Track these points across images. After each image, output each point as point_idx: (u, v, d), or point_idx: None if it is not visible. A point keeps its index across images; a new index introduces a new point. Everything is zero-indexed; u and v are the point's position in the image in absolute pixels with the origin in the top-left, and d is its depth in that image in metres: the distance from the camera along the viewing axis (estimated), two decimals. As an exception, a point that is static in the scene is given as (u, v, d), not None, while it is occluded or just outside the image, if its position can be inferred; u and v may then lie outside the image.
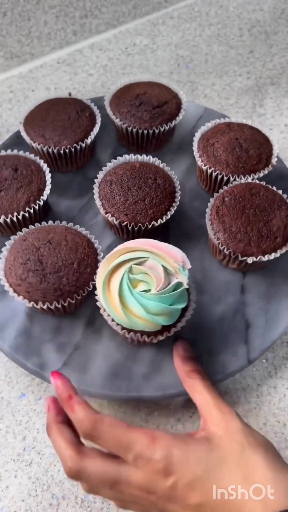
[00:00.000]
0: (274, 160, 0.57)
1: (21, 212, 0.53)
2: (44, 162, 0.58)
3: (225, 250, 0.50)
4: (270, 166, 0.57)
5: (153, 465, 0.32)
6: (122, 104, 0.62)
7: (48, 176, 0.56)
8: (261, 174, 0.56)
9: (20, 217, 0.53)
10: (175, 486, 0.32)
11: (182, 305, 0.43)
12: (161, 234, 0.57)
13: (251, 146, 0.57)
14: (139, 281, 0.42)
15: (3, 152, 0.59)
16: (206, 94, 0.79)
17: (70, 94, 0.65)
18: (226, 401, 0.37)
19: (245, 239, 0.50)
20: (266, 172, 0.57)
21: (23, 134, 0.60)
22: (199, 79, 0.82)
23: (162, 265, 0.42)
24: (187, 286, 0.42)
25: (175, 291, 0.42)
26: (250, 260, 0.49)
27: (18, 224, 0.55)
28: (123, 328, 0.44)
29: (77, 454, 0.34)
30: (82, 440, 0.36)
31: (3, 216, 0.53)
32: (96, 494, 0.36)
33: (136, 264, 0.42)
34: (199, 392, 0.39)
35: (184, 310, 0.45)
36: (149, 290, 0.42)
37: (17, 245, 0.49)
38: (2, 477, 0.46)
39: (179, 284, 0.42)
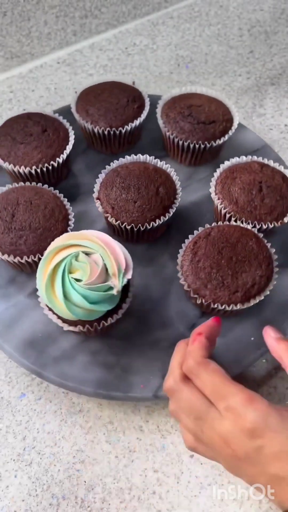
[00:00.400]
0: (286, 219, 0.53)
1: (27, 168, 0.56)
2: (84, 136, 0.64)
3: (181, 280, 0.48)
4: (279, 222, 0.53)
5: (242, 423, 0.33)
6: (173, 109, 0.62)
7: (69, 148, 0.59)
8: (265, 227, 0.52)
9: (26, 172, 0.57)
10: (261, 451, 0.32)
11: (105, 308, 0.43)
12: (148, 240, 0.57)
13: (270, 194, 0.53)
14: (78, 269, 0.42)
15: (48, 112, 0.62)
16: (206, 94, 0.79)
17: (133, 83, 0.65)
18: None
19: (205, 279, 0.47)
20: (271, 226, 0.52)
21: (72, 103, 0.63)
22: (199, 79, 0.82)
23: (104, 263, 0.42)
24: (115, 293, 0.42)
25: (104, 293, 0.42)
26: (199, 300, 0.47)
27: (26, 178, 0.58)
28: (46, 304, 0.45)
29: (183, 376, 0.38)
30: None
31: (11, 165, 0.57)
32: (177, 418, 0.39)
33: (85, 252, 0.42)
34: None
35: (110, 314, 0.45)
36: (81, 281, 0.42)
37: (4, 194, 0.53)
38: (2, 477, 0.46)
39: (111, 288, 0.42)
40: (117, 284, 0.42)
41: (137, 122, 0.61)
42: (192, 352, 0.38)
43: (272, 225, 0.52)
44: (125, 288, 0.47)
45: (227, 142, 0.64)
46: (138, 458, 0.47)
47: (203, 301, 0.47)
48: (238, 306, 0.46)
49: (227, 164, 0.58)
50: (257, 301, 0.47)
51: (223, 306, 0.46)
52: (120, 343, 0.50)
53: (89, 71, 0.83)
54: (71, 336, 0.50)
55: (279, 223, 0.53)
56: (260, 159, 0.58)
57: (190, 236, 0.51)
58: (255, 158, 0.58)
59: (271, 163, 0.57)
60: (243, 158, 0.58)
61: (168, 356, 0.45)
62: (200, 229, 0.51)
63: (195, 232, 0.51)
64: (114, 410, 0.50)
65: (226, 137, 0.61)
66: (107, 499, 0.45)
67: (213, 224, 0.52)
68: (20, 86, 0.80)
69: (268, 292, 0.47)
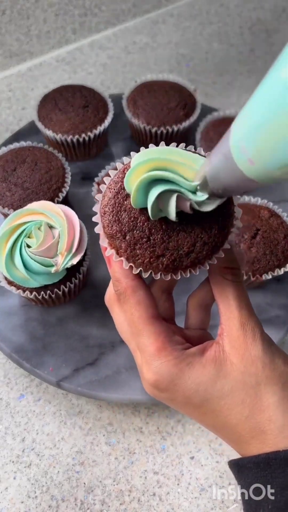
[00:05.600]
0: (264, 277, 0.49)
1: (53, 134, 0.60)
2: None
3: (95, 218, 0.31)
4: (255, 277, 0.49)
5: (147, 372, 0.30)
6: (217, 127, 0.60)
7: (99, 130, 0.61)
8: None
9: (51, 137, 0.60)
10: (173, 401, 0.31)
11: (39, 281, 0.45)
12: None
13: (261, 245, 0.50)
14: (34, 236, 0.45)
15: (102, 91, 0.65)
16: (207, 92, 0.79)
17: (195, 90, 0.65)
18: (255, 316, 0.30)
19: (126, 225, 0.29)
20: (245, 277, 0.49)
21: (126, 91, 0.64)
22: (200, 77, 0.81)
23: (59, 242, 0.45)
24: (52, 271, 0.45)
25: (44, 267, 0.44)
26: (108, 252, 0.31)
27: (53, 143, 0.62)
28: None
29: (117, 299, 0.32)
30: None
31: (42, 126, 0.60)
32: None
33: (49, 225, 0.45)
34: (226, 297, 0.31)
35: (58, 287, 0.48)
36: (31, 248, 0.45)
37: (20, 149, 0.56)
38: (1, 478, 0.45)
39: (52, 265, 0.45)
40: (59, 263, 0.44)
41: (175, 128, 0.61)
42: (115, 275, 0.31)
43: (247, 276, 0.49)
44: (77, 271, 0.49)
45: None
46: (138, 460, 0.46)
47: (115, 254, 0.31)
48: (158, 276, 0.31)
49: (240, 199, 0.53)
50: (187, 275, 0.31)
51: (138, 270, 0.31)
52: (55, 322, 0.52)
53: (88, 69, 0.82)
54: (19, 295, 0.51)
55: (255, 277, 0.49)
56: (275, 207, 0.54)
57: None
58: (270, 204, 0.54)
59: (284, 216, 0.53)
60: (258, 200, 0.54)
61: (90, 356, 0.49)
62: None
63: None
64: (113, 411, 0.49)
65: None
66: (106, 501, 0.44)
67: None
68: (19, 84, 0.79)
69: (207, 267, 0.31)
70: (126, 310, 0.31)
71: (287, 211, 0.54)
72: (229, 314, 0.30)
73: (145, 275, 0.30)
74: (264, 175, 0.19)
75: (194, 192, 0.26)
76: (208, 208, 0.27)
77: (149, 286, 0.33)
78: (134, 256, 0.31)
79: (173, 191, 0.26)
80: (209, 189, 0.25)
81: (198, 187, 0.26)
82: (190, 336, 0.33)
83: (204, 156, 0.28)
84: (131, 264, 0.30)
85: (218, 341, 0.30)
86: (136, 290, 0.30)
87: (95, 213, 0.38)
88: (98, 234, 0.31)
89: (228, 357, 0.29)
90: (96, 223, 0.31)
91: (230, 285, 0.31)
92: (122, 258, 0.30)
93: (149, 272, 0.30)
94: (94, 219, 0.31)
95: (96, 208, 0.31)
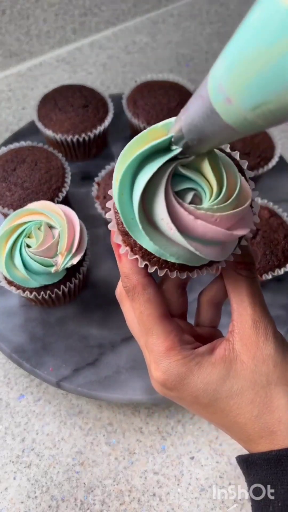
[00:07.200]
0: (264, 277, 0.49)
1: (53, 134, 0.60)
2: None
3: (107, 214, 0.29)
4: None
5: (154, 374, 0.30)
6: None
7: (99, 129, 0.61)
8: None
9: (51, 137, 0.60)
10: (181, 400, 0.30)
11: (39, 281, 0.45)
12: None
13: (261, 245, 0.49)
14: (34, 236, 0.45)
15: (103, 91, 0.65)
16: (207, 92, 0.79)
17: (195, 90, 0.65)
18: (269, 314, 0.30)
19: None
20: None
21: (126, 91, 0.64)
22: (200, 77, 0.81)
23: (59, 242, 0.45)
24: (52, 271, 0.45)
25: (44, 267, 0.44)
26: (123, 250, 0.29)
27: (53, 143, 0.62)
28: None
29: (130, 290, 0.30)
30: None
31: (42, 126, 0.61)
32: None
33: (49, 225, 0.45)
34: (239, 293, 0.30)
35: (58, 287, 0.48)
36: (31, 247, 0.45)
37: (20, 149, 0.56)
38: (1, 479, 0.45)
39: (52, 265, 0.45)
40: (59, 263, 0.44)
41: None
42: (124, 272, 0.29)
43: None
44: (77, 271, 0.49)
45: (261, 180, 0.61)
46: (138, 460, 0.46)
47: (130, 252, 0.29)
48: (174, 274, 0.29)
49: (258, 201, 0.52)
50: (203, 274, 0.29)
51: (153, 269, 0.30)
52: (55, 322, 0.52)
53: (88, 69, 0.82)
54: (19, 295, 0.51)
55: None
56: (275, 207, 0.54)
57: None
58: (270, 204, 0.54)
59: (284, 216, 0.53)
60: (259, 200, 0.54)
61: (90, 356, 0.49)
62: None
63: None
64: (113, 411, 0.49)
65: (252, 174, 0.57)
66: (106, 501, 0.44)
67: None
68: (19, 84, 0.79)
69: (224, 265, 0.29)
70: (135, 308, 0.30)
71: (287, 211, 0.54)
72: (241, 311, 0.29)
73: (161, 274, 0.29)
74: (239, 117, 0.17)
75: (168, 148, 0.24)
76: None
77: (163, 281, 0.32)
78: (149, 254, 0.28)
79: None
80: (184, 142, 0.22)
81: (173, 140, 0.23)
82: (200, 333, 0.33)
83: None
84: (146, 262, 0.29)
85: (228, 339, 0.29)
86: (146, 287, 0.29)
87: (96, 213, 0.37)
88: (98, 234, 0.31)
89: (239, 356, 0.29)
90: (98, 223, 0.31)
91: (244, 281, 0.30)
92: (136, 256, 0.28)
93: (165, 270, 0.29)
94: (107, 215, 0.29)
95: (109, 204, 0.29)
